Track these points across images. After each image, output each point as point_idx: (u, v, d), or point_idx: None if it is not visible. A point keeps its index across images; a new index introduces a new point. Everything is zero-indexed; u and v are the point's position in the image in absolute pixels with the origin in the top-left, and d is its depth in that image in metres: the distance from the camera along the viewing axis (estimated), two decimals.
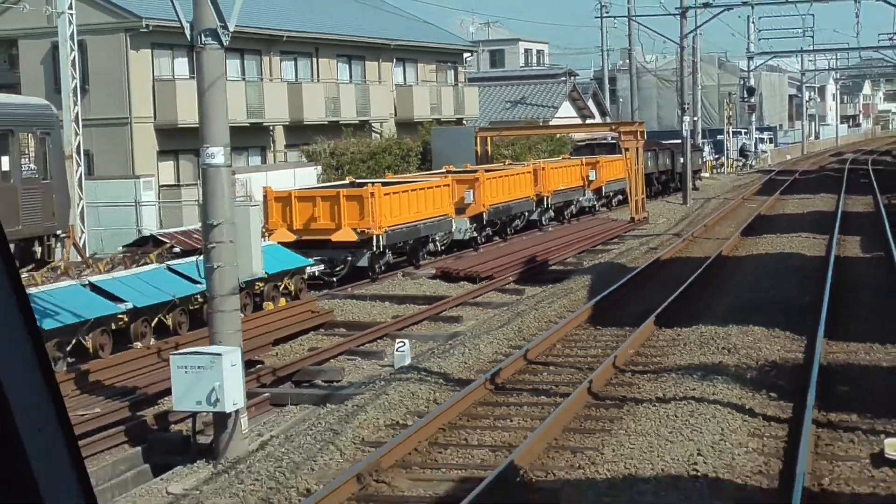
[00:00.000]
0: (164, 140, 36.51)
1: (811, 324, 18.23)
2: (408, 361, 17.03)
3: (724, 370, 15.31)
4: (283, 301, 21.86)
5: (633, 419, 13.10)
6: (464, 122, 51.14)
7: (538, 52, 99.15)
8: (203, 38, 12.94)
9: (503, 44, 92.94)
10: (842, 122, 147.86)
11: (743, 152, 78.80)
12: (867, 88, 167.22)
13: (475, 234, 30.76)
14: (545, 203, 35.97)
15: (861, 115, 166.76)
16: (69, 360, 16.64)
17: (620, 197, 43.24)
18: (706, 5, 48.87)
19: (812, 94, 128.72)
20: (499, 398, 14.76)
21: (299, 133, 41.26)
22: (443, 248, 29.07)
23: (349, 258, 24.73)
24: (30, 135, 26.56)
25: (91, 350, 16.86)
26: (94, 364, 15.96)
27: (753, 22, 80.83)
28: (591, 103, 69.08)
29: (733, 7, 50.60)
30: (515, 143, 45.36)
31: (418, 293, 24.16)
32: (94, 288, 17.69)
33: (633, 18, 58.51)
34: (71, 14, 30.05)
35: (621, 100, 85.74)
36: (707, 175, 65.32)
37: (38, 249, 26.94)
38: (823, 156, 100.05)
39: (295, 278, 22.55)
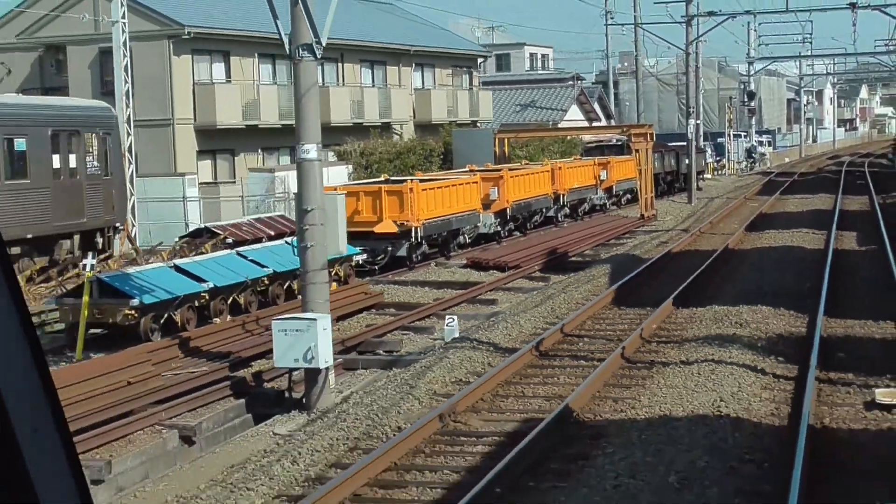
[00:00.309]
0: (202, 140, 38.83)
1: (812, 304, 20.53)
2: (457, 335, 19.35)
3: (738, 340, 17.65)
4: (334, 285, 24.14)
5: (663, 376, 15.44)
6: (478, 124, 53.48)
7: (543, 56, 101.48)
8: (300, 52, 15.23)
9: (509, 48, 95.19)
10: (839, 126, 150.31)
11: (750, 154, 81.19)
12: (864, 92, 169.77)
13: (499, 229, 33.10)
14: (561, 200, 38.31)
15: (858, 119, 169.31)
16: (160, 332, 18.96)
17: (629, 196, 45.56)
18: (711, 14, 51.26)
19: (810, 98, 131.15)
20: (544, 362, 17.08)
21: (326, 134, 43.36)
22: (470, 240, 31.41)
23: (389, 248, 27.08)
24: (93, 135, 28.90)
25: (179, 324, 19.16)
26: (187, 333, 18.28)
27: (754, 29, 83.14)
28: (596, 106, 71.45)
29: (736, 16, 52.94)
30: (529, 145, 47.67)
31: (453, 279, 26.49)
32: (178, 269, 20.02)
33: (640, 26, 60.85)
34: (124, 23, 32.37)
35: (627, 103, 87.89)
36: (709, 176, 67.67)
37: (100, 240, 29.29)
38: (821, 158, 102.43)
39: (344, 265, 24.86)
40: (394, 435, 13.15)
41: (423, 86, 51.04)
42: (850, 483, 10.97)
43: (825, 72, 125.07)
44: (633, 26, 60.90)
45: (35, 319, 20.75)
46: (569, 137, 51.31)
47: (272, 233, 28.27)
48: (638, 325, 19.38)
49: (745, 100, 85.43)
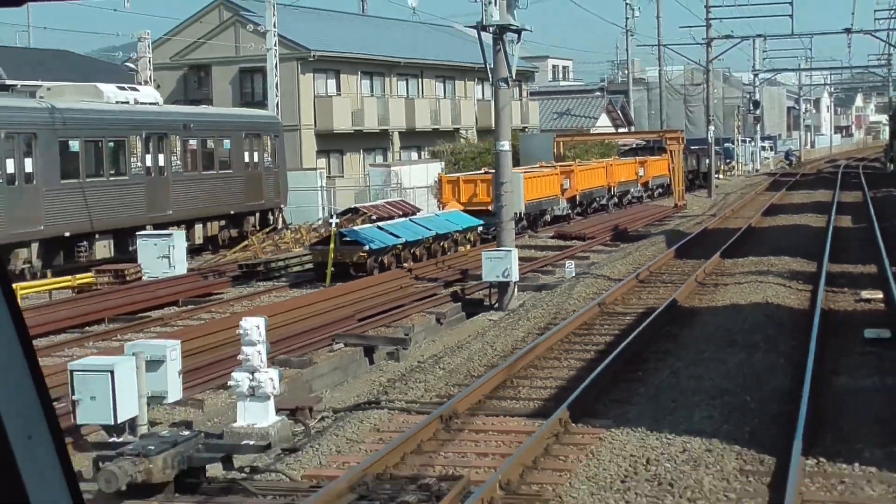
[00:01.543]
0: (320, 142, 47.75)
1: (819, 256, 29.38)
2: (574, 274, 28.22)
3: (771, 272, 26.56)
4: (468, 247, 33.00)
5: (726, 289, 24.35)
6: (527, 129, 62.42)
7: (564, 67, 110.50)
8: (499, 83, 24.08)
9: (534, 60, 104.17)
10: (836, 133, 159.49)
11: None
12: (859, 101, 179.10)
13: (569, 211, 42.00)
14: (611, 191, 47.25)
15: (854, 126, 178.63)
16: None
17: (661, 190, 54.45)
18: (727, 37, 60.22)
19: (808, 106, 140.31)
20: (644, 285, 25.95)
21: (410, 137, 52.58)
22: (550, 219, 40.30)
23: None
24: (268, 137, 37.79)
25: (386, 264, 27.97)
26: (408, 266, 27.20)
27: (763, 49, 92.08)
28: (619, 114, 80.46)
29: (750, 38, 61.91)
30: (576, 147, 56.56)
31: (548, 245, 35.35)
32: (380, 228, 28.91)
33: (663, 46, 69.83)
34: (276, 50, 41.28)
35: (651, 112, 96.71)
36: (720, 177, 76.59)
37: (271, 217, 38.17)
38: (819, 162, 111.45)
39: (472, 233, 33.74)
40: (567, 317, 21.97)
41: (483, 97, 60.01)
42: (846, 330, 19.80)
43: (823, 82, 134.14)
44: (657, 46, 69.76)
45: (281, 264, 29.71)
46: (606, 141, 60.21)
47: (400, 212, 37.05)
48: (699, 267, 28.21)
49: (751, 108, 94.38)
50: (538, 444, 12.27)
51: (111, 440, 12.29)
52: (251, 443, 12.16)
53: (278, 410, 13.71)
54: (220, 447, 11.94)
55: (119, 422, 12.83)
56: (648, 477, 11.42)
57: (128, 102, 31.32)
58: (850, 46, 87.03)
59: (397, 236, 28.79)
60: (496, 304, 24.40)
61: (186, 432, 12.17)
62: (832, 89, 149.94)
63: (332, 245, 26.93)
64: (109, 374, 12.76)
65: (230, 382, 13.73)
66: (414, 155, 51.91)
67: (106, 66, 65.15)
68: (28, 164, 26.62)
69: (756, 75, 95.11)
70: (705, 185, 60.63)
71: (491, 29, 23.60)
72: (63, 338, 20.70)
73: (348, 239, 27.44)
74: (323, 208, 41.87)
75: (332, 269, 26.80)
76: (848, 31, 56.28)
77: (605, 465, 11.88)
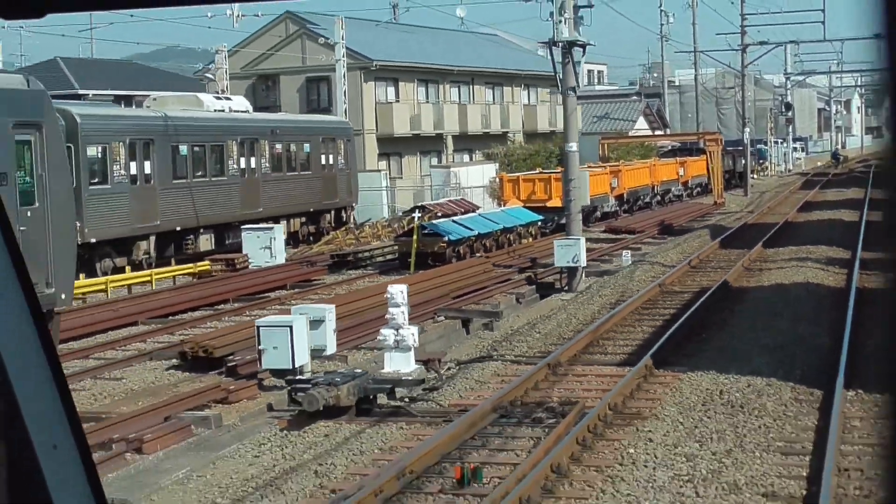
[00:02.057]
0: (381, 145, 51.08)
1: (854, 246, 32.38)
2: (630, 262, 31.38)
3: (810, 258, 29.65)
4: (530, 239, 36.19)
5: (770, 272, 27.47)
6: None
7: (599, 71, 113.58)
8: (568, 91, 27.28)
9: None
10: (866, 133, 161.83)
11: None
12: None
13: (617, 208, 45.16)
14: (655, 190, 50.37)
15: (884, 127, 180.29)
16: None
17: (699, 188, 57.50)
18: (762, 43, 63.23)
19: (839, 107, 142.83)
20: (696, 270, 29.09)
21: (463, 140, 55.88)
22: (600, 216, 43.46)
23: (556, 217, 39.08)
24: (341, 141, 41.12)
25: (461, 254, 31.21)
26: (484, 256, 30.42)
27: (795, 54, 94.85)
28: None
29: (783, 44, 64.91)
30: (619, 148, 59.67)
31: (601, 238, 38.50)
32: (455, 222, 32.15)
33: (699, 52, 72.86)
34: (344, 61, 44.62)
35: (685, 114, 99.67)
36: (754, 177, 79.53)
37: (344, 214, 41.48)
38: (851, 162, 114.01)
39: (532, 227, 36.93)
40: (631, 297, 25.15)
41: (528, 102, 63.28)
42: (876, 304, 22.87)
43: (853, 83, 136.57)
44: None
45: (366, 254, 33.03)
46: (646, 143, 63.31)
47: (462, 209, 40.25)
48: (744, 255, 31.30)
49: (783, 110, 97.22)
50: (631, 382, 15.48)
51: (297, 377, 15.56)
52: (410, 378, 15.43)
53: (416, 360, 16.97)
54: (387, 381, 15.22)
55: (294, 367, 16.14)
56: (723, 402, 14.62)
57: (224, 111, 34.71)
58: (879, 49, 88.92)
59: (471, 229, 32.05)
60: (566, 287, 27.57)
61: (359, 370, 15.48)
62: (863, 90, 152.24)
63: (415, 236, 30.20)
64: (289, 329, 16.08)
65: (379, 336, 16.98)
66: (466, 157, 55.25)
67: (168, 76, 68.84)
68: (147, 167, 30.04)
69: (788, 78, 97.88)
70: (741, 185, 63.60)
71: (560, 44, 26.83)
72: (199, 314, 24.06)
73: (428, 231, 30.71)
74: (386, 207, 45.13)
75: (413, 260, 30.04)
76: (878, 35, 58.89)
77: (687, 395, 15.08)
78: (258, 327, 16.38)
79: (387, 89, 51.76)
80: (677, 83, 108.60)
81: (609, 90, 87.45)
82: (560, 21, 26.34)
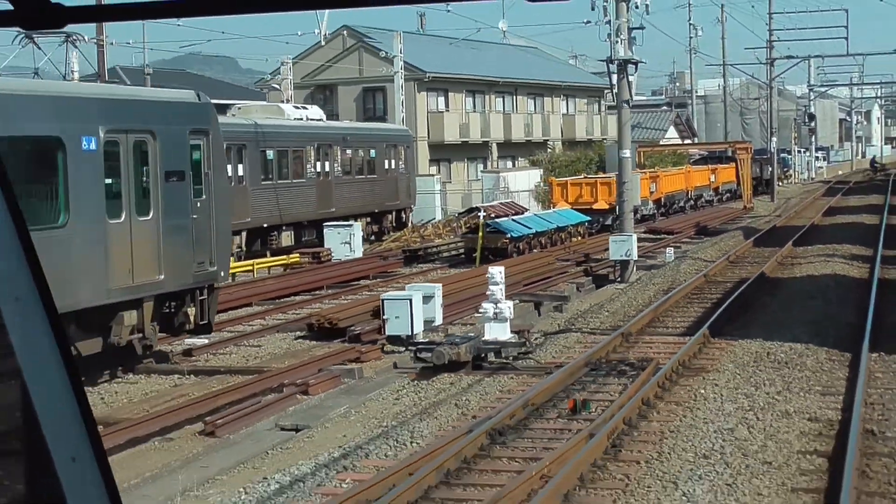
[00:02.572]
0: (432, 152, 54.54)
1: (875, 244, 35.63)
2: (673, 258, 34.70)
3: (836, 255, 32.94)
4: (577, 238, 39.54)
5: (801, 266, 30.77)
6: (605, 141, 68.93)
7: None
8: (622, 104, 30.62)
9: (601, 75, 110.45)
10: (886, 143, 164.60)
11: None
12: None
13: (655, 211, 48.48)
14: (689, 195, 53.66)
15: None
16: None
17: (729, 194, 60.74)
18: (788, 57, 66.48)
19: (859, 118, 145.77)
20: (734, 265, 32.39)
21: (507, 147, 59.30)
22: (640, 218, 46.77)
23: (601, 219, 42.45)
24: (402, 147, 44.56)
25: (520, 250, 34.55)
26: (543, 251, 33.81)
27: (819, 67, 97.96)
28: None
29: (808, 58, 68.15)
30: (653, 156, 62.96)
31: (644, 238, 41.81)
32: (514, 221, 35.52)
33: (728, 65, 76.16)
34: (402, 73, 48.07)
35: (711, 123, 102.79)
36: (780, 184, 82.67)
37: (403, 215, 44.91)
38: (870, 171, 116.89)
39: (581, 227, 40.29)
40: (679, 287, 28.46)
41: (567, 112, 66.69)
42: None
43: (874, 94, 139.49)
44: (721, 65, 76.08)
45: (434, 250, 36.43)
46: (678, 151, 66.58)
47: (512, 211, 43.60)
48: (777, 252, 34.58)
49: (806, 121, 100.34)
50: (693, 347, 18.82)
51: (419, 341, 18.95)
52: (514, 341, 18.83)
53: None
54: (495, 343, 18.61)
55: (413, 333, 19.55)
56: (770, 360, 17.96)
57: (302, 119, 38.20)
58: None
59: (529, 227, 35.45)
60: (619, 278, 30.90)
61: (471, 334, 18.89)
62: (882, 102, 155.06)
63: (480, 233, 33.60)
64: (409, 301, 19.50)
65: (480, 310, 20.35)
66: (509, 163, 58.66)
67: (218, 84, 72.47)
68: (240, 169, 33.52)
69: (811, 90, 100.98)
70: (768, 191, 66.79)
71: (616, 62, 30.21)
72: (300, 298, 27.50)
73: (492, 229, 34.11)
74: (439, 209, 48.55)
75: (480, 253, 33.42)
76: None
77: (740, 356, 18.43)
78: (383, 300, 19.84)
79: (437, 99, 55.24)
80: (702, 93, 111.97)
81: (640, 101, 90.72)
82: (617, 41, 29.71)
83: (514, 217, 36.73)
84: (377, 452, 13.50)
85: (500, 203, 45.28)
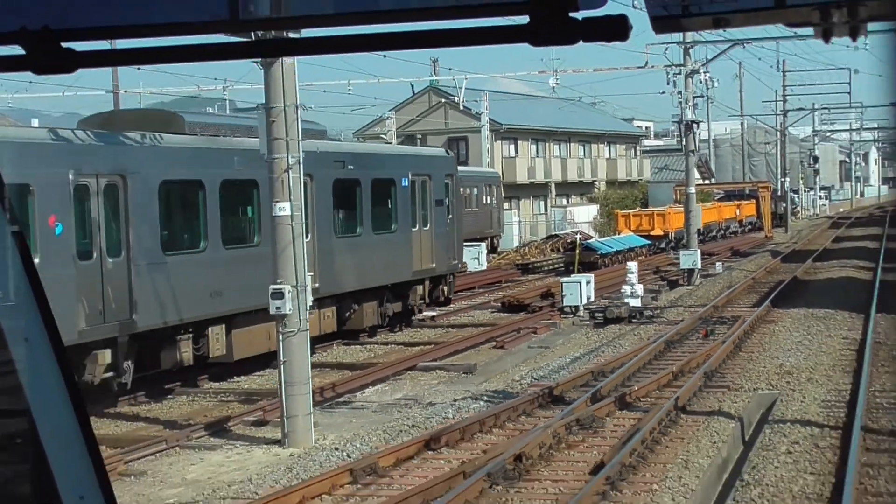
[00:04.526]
0: (506, 191, 65.42)
1: (876, 260, 46.35)
2: (722, 270, 45.51)
3: (846, 266, 43.78)
4: (643, 256, 50.29)
5: (822, 272, 41.64)
6: (640, 181, 79.98)
7: (646, 127, 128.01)
8: (689, 153, 41.48)
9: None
10: (883, 183, 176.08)
11: None
12: None
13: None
14: (720, 225, 64.60)
15: None
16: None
17: (750, 226, 71.68)
18: (800, 109, 77.61)
19: (858, 159, 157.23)
20: (771, 273, 43.19)
21: (563, 187, 70.28)
22: (684, 244, 57.62)
23: (657, 243, 53.28)
24: (494, 186, 55.45)
25: (603, 264, 45.32)
26: (631, 262, 44.71)
27: (822, 116, 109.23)
28: None
29: (817, 110, 79.30)
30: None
31: None
32: (598, 242, 46.38)
33: (746, 115, 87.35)
34: (488, 126, 59.07)
35: (725, 165, 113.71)
36: (792, 218, 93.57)
37: (495, 241, 55.71)
38: (869, 208, 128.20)
39: (644, 249, 51.14)
40: (738, 281, 39.19)
41: (609, 156, 77.75)
42: (894, 287, 36.93)
43: (872, 138, 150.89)
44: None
45: (538, 264, 47.25)
46: (705, 189, 77.52)
47: (581, 237, 54.43)
48: (800, 266, 45.30)
49: (811, 162, 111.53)
50: (762, 312, 29.57)
51: (591, 307, 29.72)
52: (652, 305, 29.63)
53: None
54: (641, 307, 29.41)
55: (581, 303, 30.35)
56: (813, 317, 28.77)
57: None
58: None
59: (611, 247, 46.34)
60: (687, 282, 41.67)
61: (619, 301, 29.78)
62: (880, 145, 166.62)
63: (577, 251, 44.44)
64: (579, 283, 30.34)
65: (621, 289, 31.10)
66: (564, 200, 69.64)
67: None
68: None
69: (815, 135, 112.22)
70: (781, 224, 77.72)
71: (685, 123, 41.17)
72: (467, 293, 38.26)
73: (586, 247, 44.99)
74: (516, 237, 59.39)
75: (577, 265, 44.21)
76: (894, 104, 73.36)
77: (794, 315, 29.23)
78: (563, 283, 30.68)
79: (509, 147, 66.25)
80: (716, 139, 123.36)
81: (663, 145, 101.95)
82: (686, 107, 40.67)
83: (599, 239, 47.61)
84: (603, 354, 24.28)
85: (573, 231, 56.17)
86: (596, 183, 74.63)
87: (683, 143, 41.72)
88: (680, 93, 41.20)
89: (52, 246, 16.65)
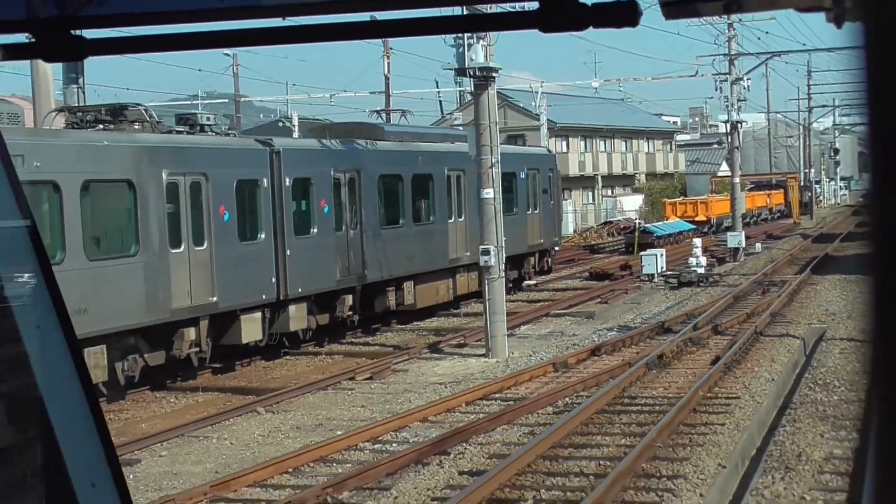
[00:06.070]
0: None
1: None
2: (761, 249, 52.64)
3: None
4: (690, 239, 57.38)
5: (848, 250, 48.75)
6: (676, 173, 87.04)
7: (674, 122, 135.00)
8: (733, 149, 48.58)
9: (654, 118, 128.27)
10: None
11: None
12: None
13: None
14: (753, 212, 71.67)
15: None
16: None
17: (779, 213, 78.73)
18: (824, 106, 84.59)
19: None
20: (806, 251, 50.29)
21: (608, 179, 77.47)
22: (725, 228, 64.79)
23: (700, 228, 60.39)
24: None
25: (643, 247, 52.52)
26: (679, 244, 51.88)
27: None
28: None
29: (839, 106, 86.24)
30: (720, 184, 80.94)
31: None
32: (652, 226, 53.61)
33: (772, 112, 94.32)
34: (546, 125, 66.26)
35: (749, 157, 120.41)
36: (816, 206, 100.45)
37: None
38: None
39: (689, 233, 58.26)
40: (780, 257, 46.27)
41: (649, 150, 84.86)
42: None
43: None
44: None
45: (602, 245, 54.53)
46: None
47: (630, 224, 61.61)
48: (829, 245, 52.30)
49: (832, 154, 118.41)
50: (804, 278, 36.71)
51: (665, 274, 36.94)
52: (713, 273, 36.86)
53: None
54: (706, 274, 36.62)
55: (657, 272, 37.58)
56: (847, 282, 35.92)
57: None
58: None
59: (665, 230, 53.53)
60: (734, 259, 48.76)
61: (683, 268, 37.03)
62: None
63: (636, 234, 51.60)
64: (655, 256, 37.60)
65: (689, 261, 38.26)
66: (609, 191, 76.84)
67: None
68: None
69: (836, 127, 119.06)
70: (806, 212, 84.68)
71: (729, 123, 48.31)
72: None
73: (643, 230, 52.17)
74: (570, 224, 66.54)
75: (637, 246, 51.37)
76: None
77: (831, 280, 36.37)
78: (641, 256, 37.92)
79: (561, 143, 73.42)
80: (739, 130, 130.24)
81: (691, 140, 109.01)
82: (732, 109, 47.81)
83: (655, 224, 54.82)
84: (686, 305, 31.47)
85: (623, 218, 63.40)
86: (637, 175, 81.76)
87: (728, 140, 48.81)
88: (726, 97, 48.32)
89: (322, 222, 23.97)
